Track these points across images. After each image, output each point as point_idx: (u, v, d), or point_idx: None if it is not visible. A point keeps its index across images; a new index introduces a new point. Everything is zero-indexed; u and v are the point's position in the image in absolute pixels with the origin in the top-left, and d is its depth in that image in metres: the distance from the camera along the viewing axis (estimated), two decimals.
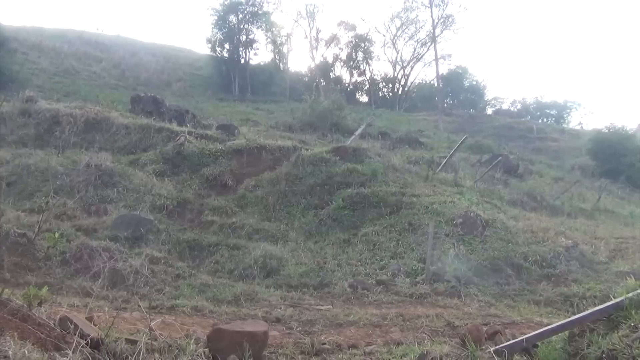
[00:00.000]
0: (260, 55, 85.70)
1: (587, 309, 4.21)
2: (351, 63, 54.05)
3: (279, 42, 51.86)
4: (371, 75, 55.69)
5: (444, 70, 53.67)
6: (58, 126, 16.07)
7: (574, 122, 57.32)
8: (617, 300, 3.93)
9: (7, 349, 2.72)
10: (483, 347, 4.16)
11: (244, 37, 47.43)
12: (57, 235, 3.18)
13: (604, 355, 3.52)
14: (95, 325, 4.14)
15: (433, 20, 47.51)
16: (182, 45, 62.81)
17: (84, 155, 13.73)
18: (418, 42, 53.24)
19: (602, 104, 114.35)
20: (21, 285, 6.54)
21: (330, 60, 53.92)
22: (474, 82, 59.68)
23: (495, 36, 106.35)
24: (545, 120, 56.01)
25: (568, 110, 58.40)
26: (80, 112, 16.63)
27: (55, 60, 37.36)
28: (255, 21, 48.15)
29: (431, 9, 47.68)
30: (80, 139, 15.72)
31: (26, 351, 2.80)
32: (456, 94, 59.16)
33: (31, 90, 19.04)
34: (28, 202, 11.59)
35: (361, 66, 54.90)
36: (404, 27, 53.36)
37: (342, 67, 54.93)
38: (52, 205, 10.31)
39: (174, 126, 17.55)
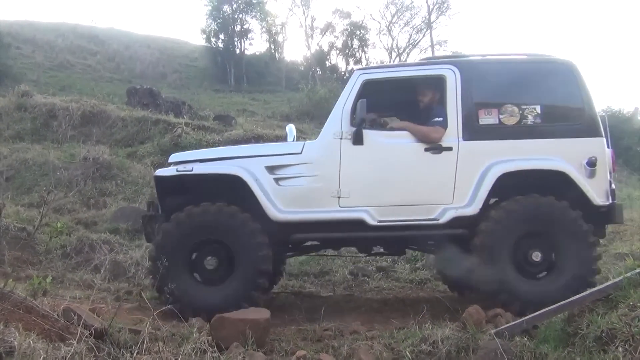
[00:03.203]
0: (255, 45, 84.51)
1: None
2: (347, 51, 53.67)
3: (274, 31, 51.54)
4: (367, 63, 55.45)
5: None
6: (54, 120, 16.02)
7: None
8: (616, 280, 3.98)
9: (12, 339, 2.75)
10: (484, 329, 4.20)
11: (238, 27, 47.08)
12: (59, 224, 3.20)
13: (603, 334, 3.56)
14: (99, 317, 4.17)
15: (428, 6, 47.34)
16: (176, 37, 62.10)
17: (82, 149, 13.71)
18: (414, 29, 52.88)
19: (599, 87, 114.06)
20: (22, 279, 6.53)
21: (325, 48, 53.50)
22: None
23: (490, 20, 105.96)
24: None
25: None
26: (76, 106, 16.57)
27: (49, 54, 37.11)
28: (249, 11, 47.78)
29: None
30: (77, 133, 15.69)
31: (31, 341, 2.83)
32: None
33: (26, 85, 18.95)
34: (27, 197, 11.60)
35: (357, 54, 54.47)
36: (399, 14, 52.93)
37: (337, 55, 54.48)
38: (50, 199, 10.30)
39: (171, 118, 17.46)
